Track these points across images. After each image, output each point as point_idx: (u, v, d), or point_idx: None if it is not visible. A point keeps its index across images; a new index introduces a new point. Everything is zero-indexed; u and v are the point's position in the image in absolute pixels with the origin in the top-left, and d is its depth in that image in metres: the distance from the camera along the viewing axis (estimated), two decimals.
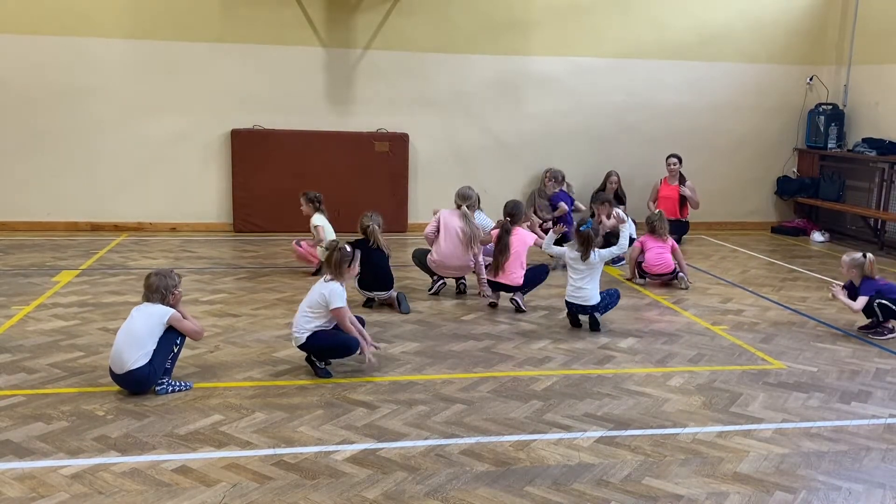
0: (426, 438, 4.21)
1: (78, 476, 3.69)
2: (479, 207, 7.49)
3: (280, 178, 9.78)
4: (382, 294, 6.67)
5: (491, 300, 6.92)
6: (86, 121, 9.62)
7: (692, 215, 10.43)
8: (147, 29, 9.58)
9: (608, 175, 10.21)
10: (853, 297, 6.27)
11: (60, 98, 9.51)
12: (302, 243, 7.93)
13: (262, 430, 4.24)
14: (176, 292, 4.79)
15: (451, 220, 7.07)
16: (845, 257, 6.45)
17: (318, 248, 7.80)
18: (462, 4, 10.21)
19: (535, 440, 4.22)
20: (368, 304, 6.70)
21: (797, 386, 5.17)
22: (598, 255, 6.21)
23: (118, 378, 4.61)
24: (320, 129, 10.08)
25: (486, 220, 7.61)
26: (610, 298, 6.36)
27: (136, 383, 4.59)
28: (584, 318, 6.32)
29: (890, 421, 4.63)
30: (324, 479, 3.73)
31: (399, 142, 10.21)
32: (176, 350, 4.73)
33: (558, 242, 6.61)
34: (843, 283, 6.48)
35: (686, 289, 7.72)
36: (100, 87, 9.58)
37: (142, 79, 9.65)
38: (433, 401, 4.72)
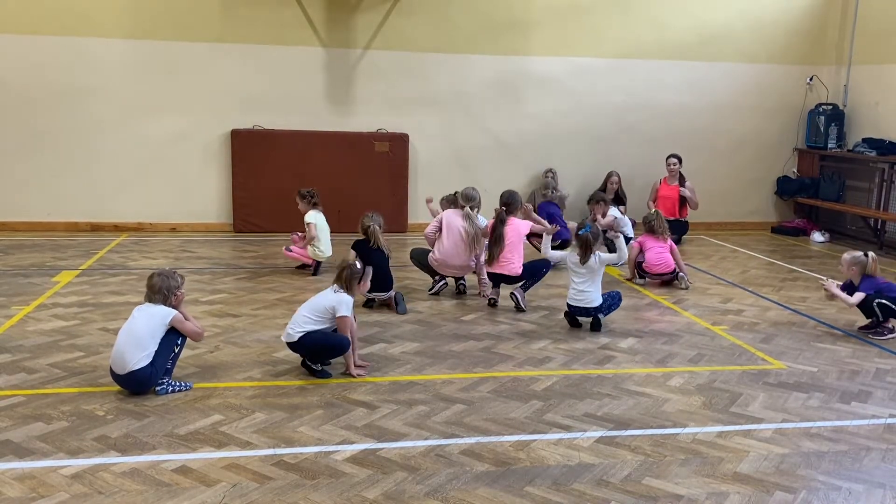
0: (426, 438, 4.21)
1: (78, 476, 3.69)
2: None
3: (280, 178, 9.77)
4: (382, 294, 6.67)
5: (491, 297, 6.92)
6: (86, 121, 9.61)
7: (692, 215, 10.44)
8: (147, 29, 9.57)
9: (609, 175, 10.23)
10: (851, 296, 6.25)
11: (60, 98, 9.51)
12: (292, 248, 7.93)
13: (262, 430, 4.24)
14: (179, 294, 4.78)
15: (455, 221, 7.07)
16: (846, 255, 6.42)
17: (309, 247, 7.80)
18: (462, 4, 10.20)
19: (535, 440, 4.22)
20: (368, 304, 6.69)
21: (797, 386, 5.17)
22: (599, 258, 6.20)
23: (119, 378, 4.61)
24: (320, 129, 10.08)
25: (482, 220, 7.60)
26: (612, 300, 6.36)
27: (138, 384, 4.59)
28: (584, 319, 6.32)
29: (890, 421, 4.63)
30: (324, 480, 3.73)
31: (399, 142, 10.21)
32: (177, 350, 4.74)
33: (559, 247, 6.61)
34: (841, 283, 6.43)
35: (686, 289, 7.72)
36: (100, 87, 9.58)
37: (142, 79, 9.65)
38: (433, 401, 4.72)
